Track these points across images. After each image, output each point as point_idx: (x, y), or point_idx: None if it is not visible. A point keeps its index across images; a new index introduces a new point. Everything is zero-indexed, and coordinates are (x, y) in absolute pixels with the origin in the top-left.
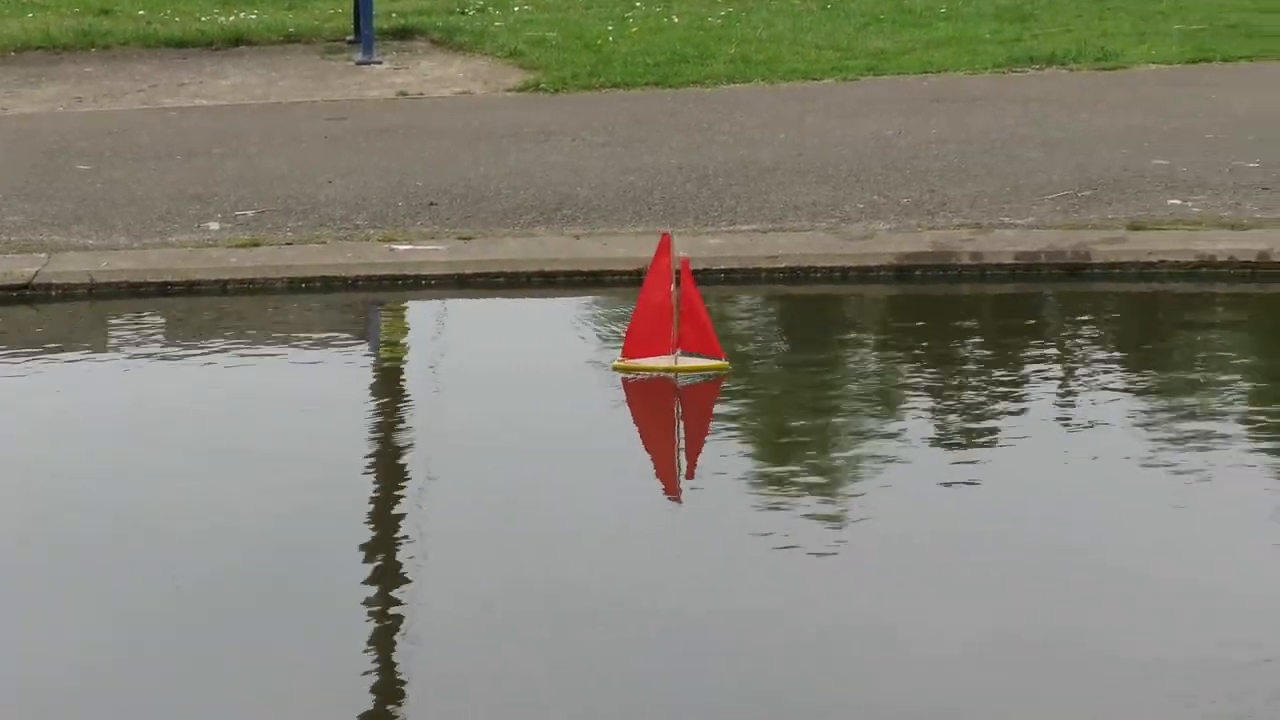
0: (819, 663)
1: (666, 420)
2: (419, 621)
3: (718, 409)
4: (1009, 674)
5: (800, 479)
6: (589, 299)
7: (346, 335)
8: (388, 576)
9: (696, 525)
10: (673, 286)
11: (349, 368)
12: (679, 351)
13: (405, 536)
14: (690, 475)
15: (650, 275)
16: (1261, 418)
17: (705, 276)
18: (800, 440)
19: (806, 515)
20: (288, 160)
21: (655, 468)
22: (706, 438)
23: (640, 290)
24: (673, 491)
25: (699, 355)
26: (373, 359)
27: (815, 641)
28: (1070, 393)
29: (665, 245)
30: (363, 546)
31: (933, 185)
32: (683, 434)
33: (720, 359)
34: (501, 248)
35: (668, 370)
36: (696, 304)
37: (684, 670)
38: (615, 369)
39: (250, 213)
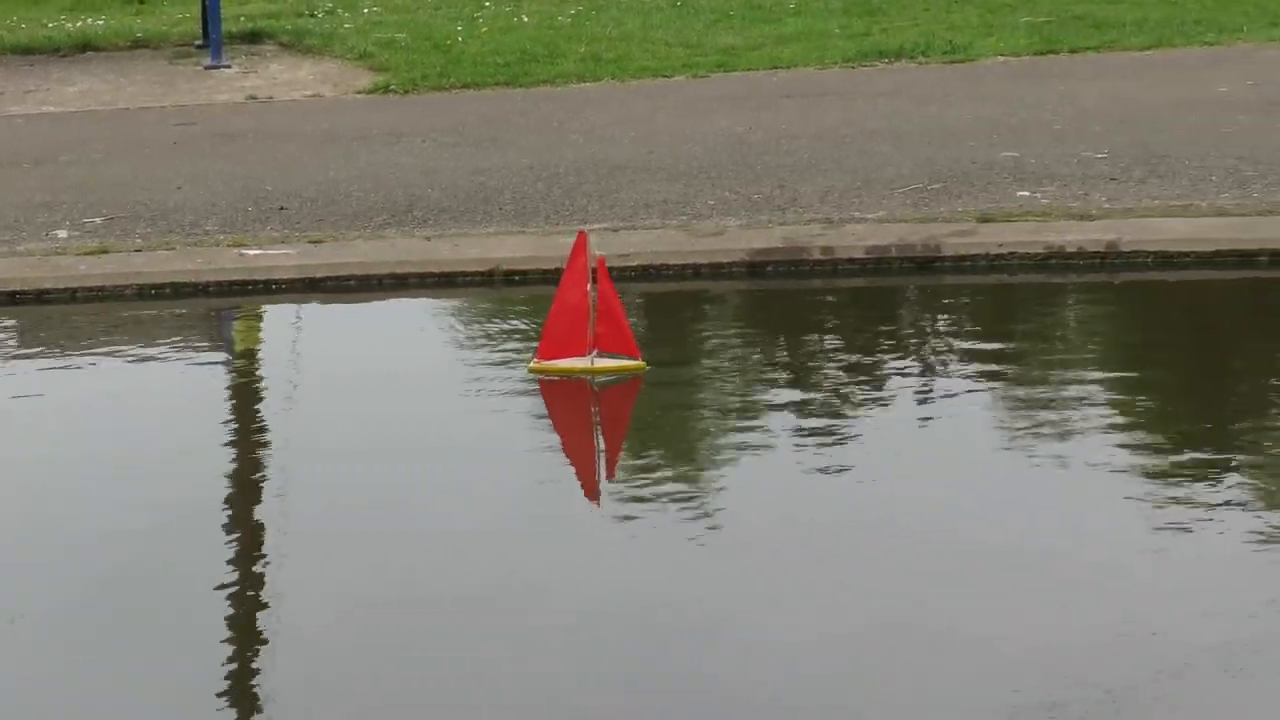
0: (677, 656)
1: (528, 418)
2: (278, 628)
3: (581, 406)
4: (862, 664)
5: (663, 471)
6: (444, 300)
7: (199, 341)
8: (246, 583)
9: (560, 519)
10: (589, 286)
11: (202, 373)
12: (595, 352)
13: (264, 542)
14: (558, 472)
15: (566, 274)
16: (1114, 405)
17: (556, 276)
18: (661, 434)
19: (669, 507)
20: (136, 167)
21: (519, 465)
22: (568, 435)
23: (556, 290)
24: (540, 486)
25: (616, 356)
26: (227, 364)
27: (674, 633)
28: (925, 384)
29: (581, 244)
30: (220, 554)
31: (784, 181)
32: (547, 431)
33: (637, 359)
34: (352, 250)
35: (584, 372)
36: (613, 303)
37: (546, 666)
38: (531, 371)
39: (99, 220)
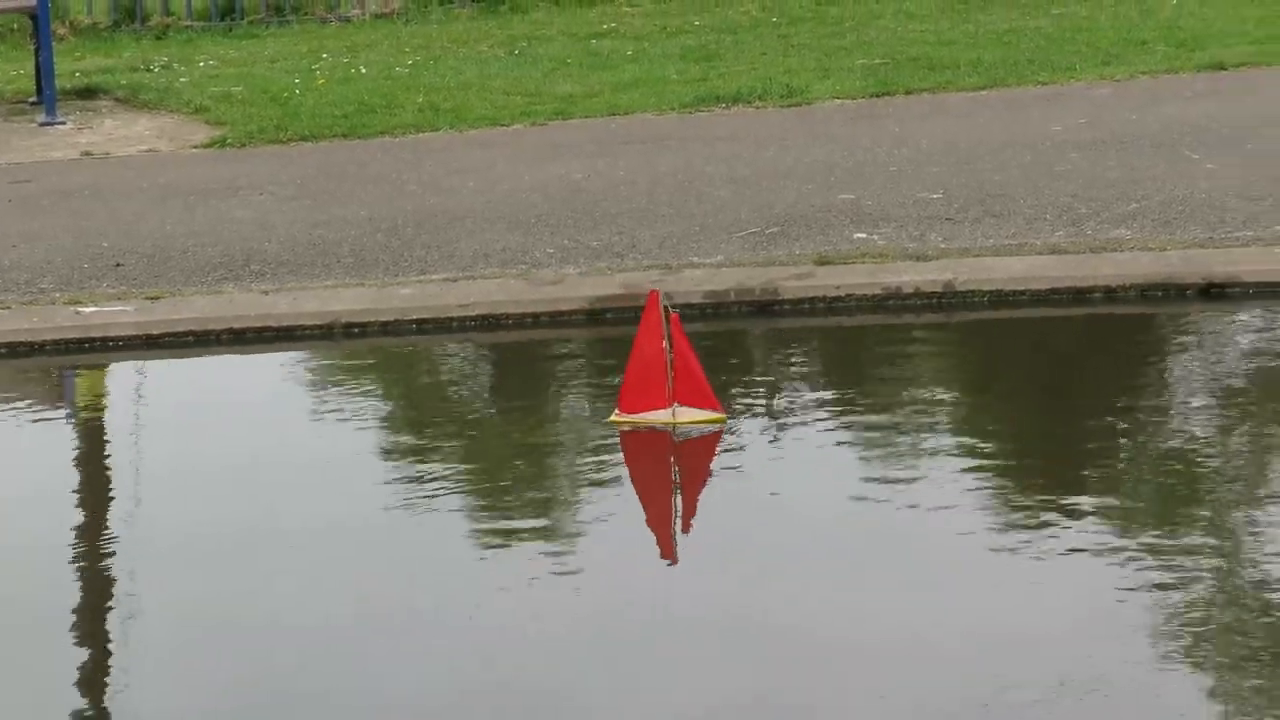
0: None
1: (374, 459)
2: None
3: (419, 453)
4: None
5: (507, 526)
6: (285, 355)
7: (37, 401)
8: (92, 664)
9: (399, 553)
10: (664, 342)
11: (40, 433)
12: (676, 404)
13: (115, 608)
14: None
15: (640, 331)
16: (954, 444)
17: (396, 327)
18: (506, 486)
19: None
20: None
21: (365, 501)
22: (402, 477)
23: (632, 345)
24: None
25: (696, 408)
26: (66, 423)
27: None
28: (764, 427)
29: (654, 301)
30: (68, 621)
31: (622, 227)
32: (386, 472)
33: (718, 411)
34: (190, 306)
35: (666, 424)
36: (689, 357)
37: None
38: (612, 423)
39: None
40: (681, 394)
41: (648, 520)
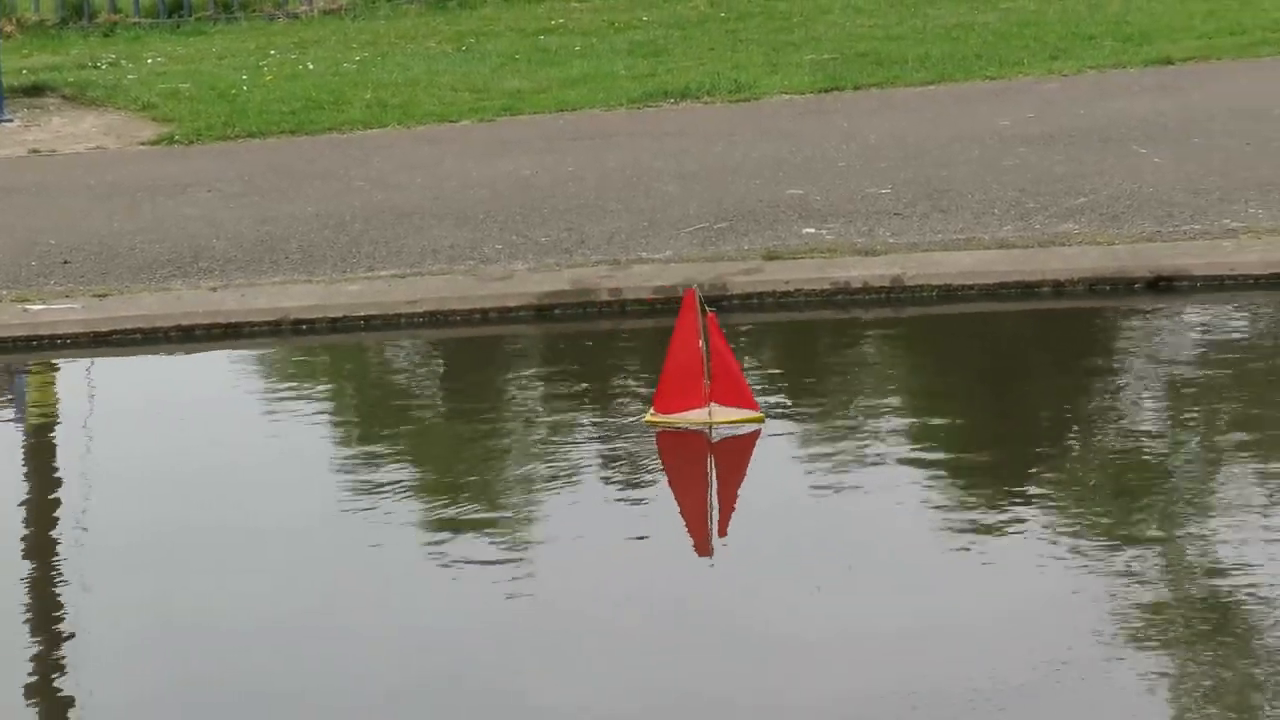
0: None
1: (319, 461)
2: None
3: (377, 451)
4: None
5: (458, 522)
6: (234, 351)
7: None
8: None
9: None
10: (700, 341)
11: None
12: (712, 404)
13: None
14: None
15: (676, 331)
16: (904, 437)
17: (343, 324)
18: (458, 483)
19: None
20: None
21: (307, 503)
22: (358, 476)
23: (669, 345)
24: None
25: (733, 408)
26: (13, 421)
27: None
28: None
29: (690, 300)
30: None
31: (570, 223)
32: (333, 469)
33: (755, 410)
34: (137, 303)
35: (702, 424)
36: (726, 357)
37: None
38: (648, 423)
39: None
40: (718, 393)
41: (593, 514)
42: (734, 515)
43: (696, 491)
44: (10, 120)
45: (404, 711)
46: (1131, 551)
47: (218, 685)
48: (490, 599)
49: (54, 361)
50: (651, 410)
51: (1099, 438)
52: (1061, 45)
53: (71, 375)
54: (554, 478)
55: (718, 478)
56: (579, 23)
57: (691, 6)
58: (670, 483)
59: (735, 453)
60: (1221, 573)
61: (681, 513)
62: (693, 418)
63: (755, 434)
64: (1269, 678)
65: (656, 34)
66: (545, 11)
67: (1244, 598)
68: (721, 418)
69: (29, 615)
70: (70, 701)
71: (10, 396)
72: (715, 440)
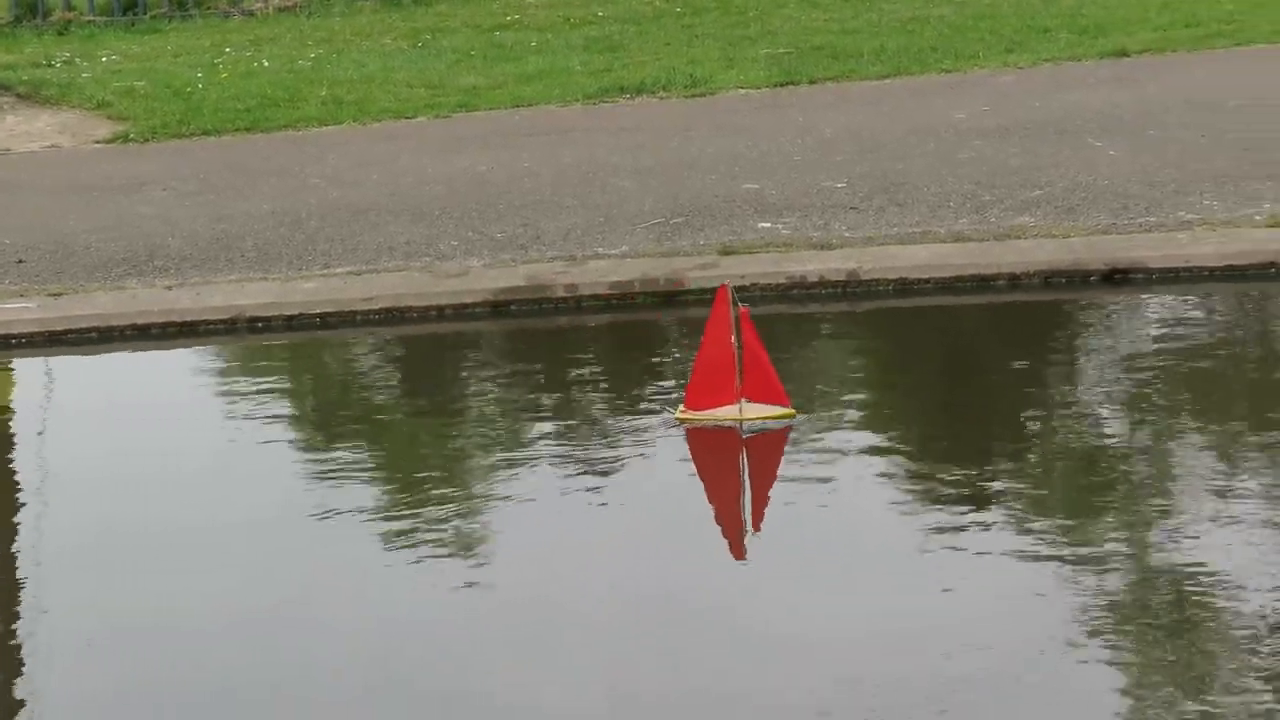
0: None
1: (278, 459)
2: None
3: (334, 454)
4: None
5: (415, 520)
6: (189, 350)
7: None
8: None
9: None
10: (733, 337)
11: None
12: (744, 400)
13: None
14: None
15: (709, 326)
16: (859, 434)
17: (299, 321)
18: (416, 479)
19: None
20: None
21: (267, 500)
22: (313, 480)
23: (701, 340)
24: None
25: (764, 404)
26: None
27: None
28: (673, 419)
29: (723, 296)
30: None
31: (526, 219)
32: (289, 467)
33: (786, 406)
34: (92, 302)
35: (733, 420)
36: (759, 353)
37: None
38: (679, 420)
39: None
40: (750, 390)
41: (555, 507)
42: (691, 506)
43: (647, 485)
44: None
45: (375, 708)
46: (1092, 546)
47: (178, 684)
48: (440, 592)
49: (9, 361)
50: (681, 407)
51: (1054, 431)
52: (1017, 38)
53: (27, 375)
54: (514, 473)
55: (668, 475)
56: (534, 19)
57: (647, 2)
58: (626, 478)
59: (695, 450)
60: (1182, 564)
61: (641, 506)
62: (723, 414)
63: (716, 431)
64: (1239, 670)
65: (612, 29)
66: (500, 7)
67: (1207, 587)
68: (752, 414)
69: None
70: (25, 702)
71: None
72: (669, 432)
